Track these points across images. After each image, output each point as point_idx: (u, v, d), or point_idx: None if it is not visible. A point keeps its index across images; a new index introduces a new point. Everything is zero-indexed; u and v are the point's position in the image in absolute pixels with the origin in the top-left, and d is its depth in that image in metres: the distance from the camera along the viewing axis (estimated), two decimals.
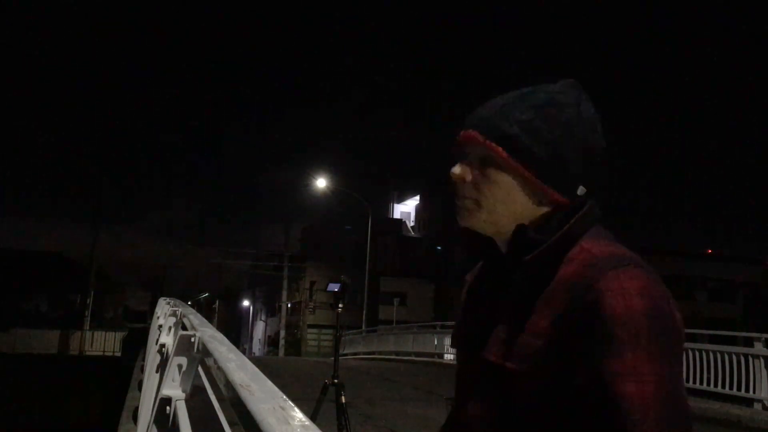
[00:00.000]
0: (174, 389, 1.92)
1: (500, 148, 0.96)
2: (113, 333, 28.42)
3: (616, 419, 0.80)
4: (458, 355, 1.11)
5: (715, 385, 9.23)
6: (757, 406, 8.62)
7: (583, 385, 0.83)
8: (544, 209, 0.98)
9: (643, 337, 0.81)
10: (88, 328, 28.32)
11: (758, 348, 8.83)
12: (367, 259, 28.86)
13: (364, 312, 27.92)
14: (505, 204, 0.98)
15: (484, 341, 0.98)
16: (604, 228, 0.98)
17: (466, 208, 1.00)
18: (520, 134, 0.95)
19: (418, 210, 49.97)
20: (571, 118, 0.97)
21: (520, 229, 0.97)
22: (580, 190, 0.98)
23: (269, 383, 0.92)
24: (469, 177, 0.99)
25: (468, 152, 1.00)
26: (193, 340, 1.86)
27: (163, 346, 3.34)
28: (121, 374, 15.98)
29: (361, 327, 27.31)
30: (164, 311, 4.65)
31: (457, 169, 1.00)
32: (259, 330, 49.49)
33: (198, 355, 1.85)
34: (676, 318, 0.86)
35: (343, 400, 4.65)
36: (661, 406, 0.80)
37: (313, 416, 4.61)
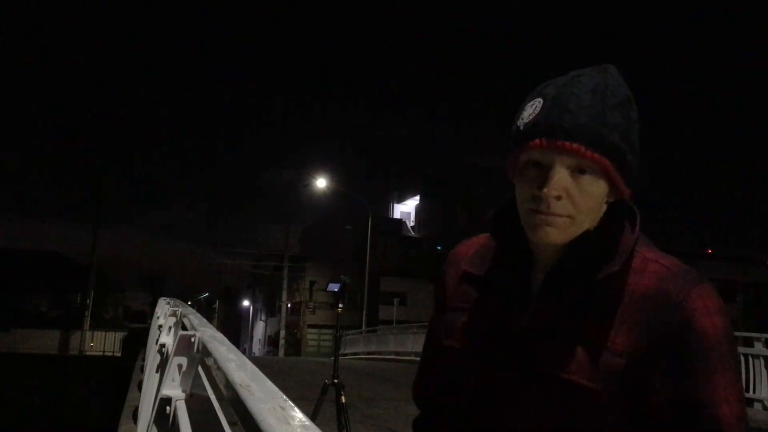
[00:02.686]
0: (174, 389, 1.92)
1: (608, 161, 0.88)
2: (113, 333, 28.41)
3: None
4: (468, 356, 1.00)
5: None
6: (757, 406, 8.62)
7: (671, 405, 0.83)
8: (604, 207, 0.94)
9: (730, 359, 0.84)
10: (88, 328, 28.30)
11: (758, 348, 8.83)
12: (367, 259, 28.86)
13: (364, 312, 27.92)
14: (594, 212, 0.92)
15: (548, 356, 0.91)
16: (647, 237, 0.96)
17: (557, 225, 0.90)
18: (619, 141, 0.89)
19: (418, 210, 49.99)
20: (636, 116, 0.93)
21: (583, 236, 0.92)
22: (632, 192, 0.95)
23: (269, 383, 0.92)
24: (564, 194, 0.89)
25: (554, 162, 0.89)
26: (193, 340, 1.86)
27: (163, 346, 3.34)
28: (121, 374, 15.98)
29: (361, 327, 27.31)
30: (164, 311, 4.65)
31: (552, 189, 0.88)
32: (259, 330, 49.48)
33: (198, 355, 1.85)
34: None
35: (343, 400, 4.65)
36: (745, 423, 0.84)
37: (313, 416, 4.61)
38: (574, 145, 0.87)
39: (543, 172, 0.89)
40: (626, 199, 0.95)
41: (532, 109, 0.92)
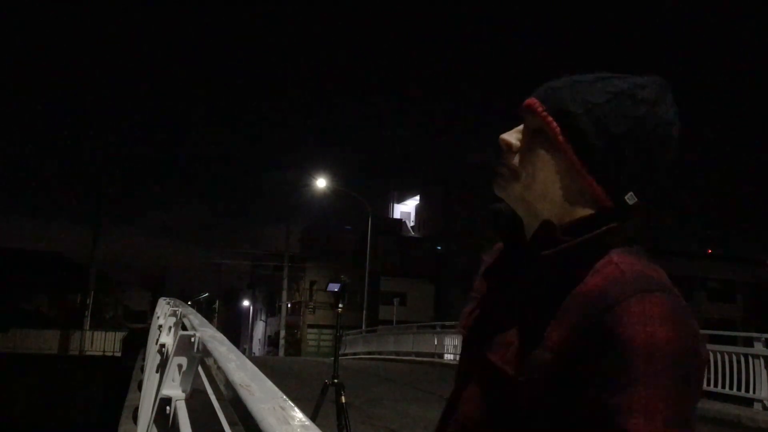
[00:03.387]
0: (174, 389, 1.92)
1: (555, 123, 0.88)
2: (113, 333, 28.41)
3: None
4: (463, 343, 1.04)
5: (715, 385, 9.23)
6: (757, 406, 8.62)
7: (588, 409, 0.78)
8: (583, 210, 0.90)
9: (664, 374, 0.75)
10: (88, 328, 28.31)
11: (758, 348, 8.83)
12: (367, 259, 28.86)
13: (364, 312, 27.92)
14: (544, 184, 0.90)
15: (491, 338, 0.91)
16: (643, 249, 0.89)
17: (502, 175, 0.93)
18: (582, 115, 0.87)
19: (418, 210, 49.98)
20: (644, 116, 0.87)
21: (547, 223, 0.89)
22: (630, 197, 0.88)
23: (269, 383, 0.92)
24: (515, 145, 0.92)
25: (525, 121, 0.93)
26: (193, 340, 1.86)
27: (163, 346, 3.34)
28: (121, 374, 15.98)
29: (361, 327, 27.32)
30: (164, 311, 4.65)
31: (505, 135, 0.93)
32: (259, 330, 49.49)
33: (198, 355, 1.85)
34: (701, 356, 0.79)
35: (343, 400, 4.65)
36: None
37: (313, 416, 4.61)
38: (532, 101, 0.91)
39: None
40: (609, 204, 0.88)
41: None
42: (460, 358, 1.05)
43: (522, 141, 0.93)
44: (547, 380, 0.82)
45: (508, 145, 0.93)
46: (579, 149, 0.87)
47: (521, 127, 0.94)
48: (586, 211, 0.90)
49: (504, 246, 1.02)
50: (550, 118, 0.88)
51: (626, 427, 0.74)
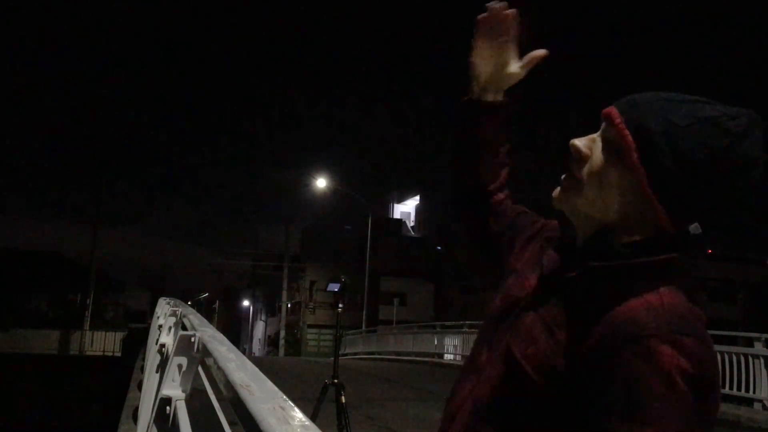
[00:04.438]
0: (174, 389, 1.92)
1: (630, 138, 0.84)
2: (113, 333, 28.42)
3: None
4: (494, 315, 1.01)
5: None
6: (757, 406, 8.62)
7: (590, 427, 0.77)
8: (642, 232, 0.87)
9: (675, 418, 0.73)
10: (88, 328, 28.31)
11: (758, 348, 8.84)
12: (367, 259, 28.86)
13: (364, 312, 27.93)
14: (607, 200, 0.86)
15: (518, 327, 0.91)
16: (696, 284, 0.86)
17: (565, 186, 0.90)
18: (660, 134, 0.82)
19: (418, 210, 49.95)
20: (726, 147, 0.81)
21: (605, 232, 0.87)
22: (694, 228, 0.85)
23: (269, 383, 0.92)
24: (586, 153, 0.88)
25: (602, 130, 0.89)
26: (193, 340, 1.86)
27: (163, 346, 3.34)
28: (121, 374, 15.98)
29: (361, 327, 27.32)
30: (164, 311, 4.65)
31: (577, 141, 0.89)
32: (259, 330, 49.48)
33: (198, 355, 1.85)
34: (718, 406, 0.78)
35: (343, 400, 4.65)
36: None
37: (313, 416, 4.61)
38: (612, 111, 0.87)
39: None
40: (668, 227, 0.85)
41: None
42: (483, 335, 1.02)
43: (593, 150, 0.88)
44: (559, 386, 0.82)
45: (578, 152, 0.88)
46: (651, 169, 0.83)
47: (595, 135, 0.89)
48: (644, 233, 0.87)
49: (562, 242, 1.00)
50: (626, 132, 0.84)
51: None
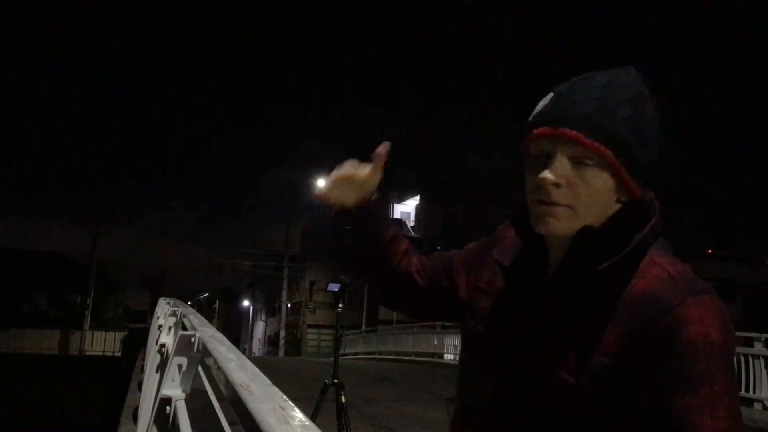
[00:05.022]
0: (174, 389, 1.92)
1: (609, 151, 0.88)
2: (113, 333, 28.42)
3: None
4: (487, 342, 1.03)
5: None
6: (757, 406, 8.62)
7: (650, 410, 0.80)
8: (616, 206, 0.93)
9: (721, 373, 0.79)
10: (88, 328, 28.31)
11: (758, 348, 8.84)
12: None
13: (364, 312, 27.94)
14: (598, 206, 0.91)
15: (539, 346, 0.93)
16: (665, 241, 0.94)
17: (557, 216, 0.91)
18: (626, 134, 0.88)
19: (418, 210, 49.95)
20: (653, 115, 0.92)
21: (587, 230, 0.91)
22: (647, 193, 0.93)
23: (269, 383, 0.92)
24: (564, 182, 0.90)
25: (555, 152, 0.91)
26: (193, 340, 1.86)
27: (163, 346, 3.34)
28: (121, 374, 15.98)
29: (361, 327, 27.32)
30: (164, 311, 4.65)
31: (549, 174, 0.90)
32: (259, 330, 49.49)
33: (198, 355, 1.85)
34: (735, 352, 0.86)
35: (343, 400, 4.65)
36: None
37: (313, 416, 4.61)
38: (574, 133, 0.89)
39: (546, 163, 0.91)
40: (640, 199, 0.92)
41: (543, 102, 0.95)
42: (483, 357, 1.03)
43: (565, 175, 0.90)
44: (606, 384, 0.84)
45: (556, 184, 0.91)
46: (629, 165, 0.90)
47: (556, 161, 0.91)
48: (605, 218, 0.92)
49: (523, 245, 1.02)
50: (602, 147, 0.88)
51: (692, 424, 0.78)
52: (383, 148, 1.15)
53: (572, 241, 0.93)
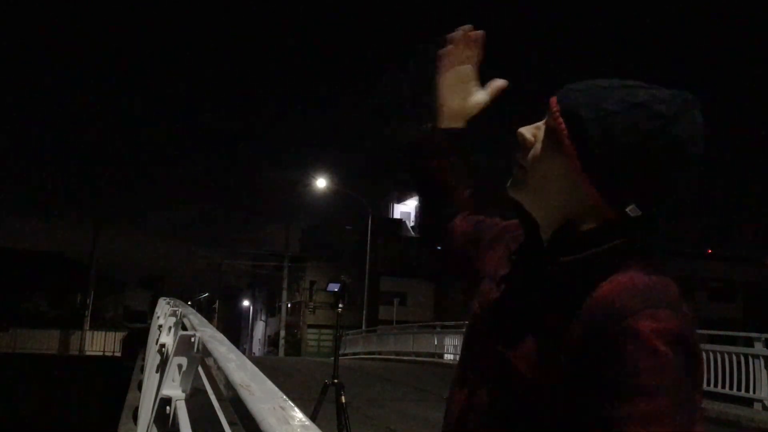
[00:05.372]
0: (174, 389, 1.92)
1: (564, 125, 0.87)
2: (113, 333, 28.42)
3: None
4: (473, 327, 1.05)
5: (715, 385, 9.23)
6: (757, 406, 8.62)
7: (592, 417, 0.79)
8: (592, 219, 0.90)
9: (667, 388, 0.76)
10: (88, 328, 28.31)
11: (758, 348, 8.84)
12: (367, 259, 28.85)
13: (364, 312, 27.91)
14: (551, 187, 0.90)
15: (507, 333, 0.93)
16: (660, 260, 0.88)
17: (514, 175, 0.94)
18: (592, 120, 0.85)
19: (418, 210, 49.93)
20: (656, 130, 0.84)
21: (569, 225, 0.90)
22: (632, 210, 0.87)
23: (269, 383, 0.92)
24: (530, 140, 0.91)
25: (545, 118, 0.92)
26: (193, 340, 1.86)
27: (163, 346, 3.33)
28: (121, 374, 15.98)
29: (361, 327, 27.31)
30: (164, 311, 4.65)
31: (523, 129, 0.92)
32: (259, 330, 49.47)
33: (198, 355, 1.85)
34: (701, 365, 0.81)
35: (343, 400, 4.65)
36: None
37: (313, 416, 4.61)
38: (552, 99, 0.90)
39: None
40: (613, 220, 0.88)
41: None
42: (468, 343, 1.05)
43: (537, 138, 0.92)
44: (559, 383, 0.83)
45: (524, 140, 0.92)
46: (583, 154, 0.86)
47: (541, 122, 0.93)
48: (594, 222, 0.90)
49: (525, 236, 1.02)
50: (561, 119, 0.87)
51: None
52: (503, 82, 1.20)
53: (553, 233, 0.93)
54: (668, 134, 0.84)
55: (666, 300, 0.81)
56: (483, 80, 1.22)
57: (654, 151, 0.84)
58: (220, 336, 1.69)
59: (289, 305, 37.30)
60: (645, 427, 0.74)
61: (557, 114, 0.88)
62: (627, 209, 0.87)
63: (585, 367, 0.81)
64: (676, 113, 0.85)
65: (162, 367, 3.01)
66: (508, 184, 0.95)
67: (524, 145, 0.92)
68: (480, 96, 1.20)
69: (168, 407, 1.90)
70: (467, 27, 1.16)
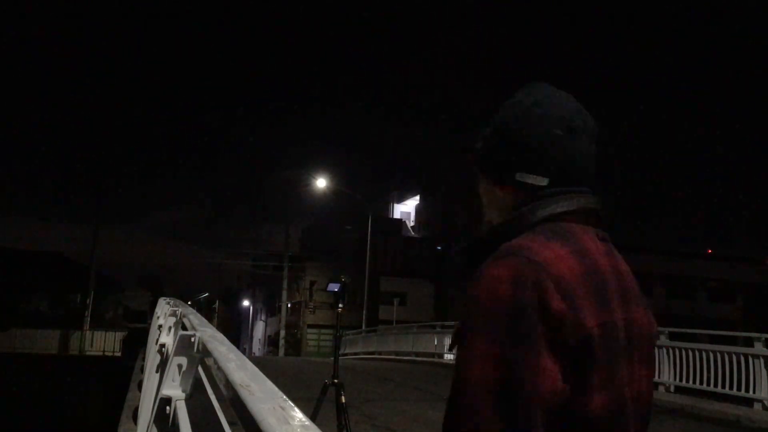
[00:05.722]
0: (174, 389, 1.92)
1: (471, 156, 1.09)
2: (113, 333, 28.43)
3: (456, 397, 0.84)
4: None
5: (715, 385, 9.23)
6: (757, 406, 8.62)
7: (456, 363, 0.88)
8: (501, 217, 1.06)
9: (492, 322, 0.83)
10: (88, 328, 28.32)
11: (758, 348, 8.84)
12: (367, 259, 28.86)
13: (364, 312, 27.93)
14: (492, 207, 1.07)
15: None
16: (568, 225, 0.97)
17: (480, 221, 1.10)
18: (484, 142, 1.07)
19: (418, 210, 49.95)
20: (524, 115, 1.03)
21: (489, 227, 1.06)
22: (520, 176, 1.01)
23: (269, 383, 0.92)
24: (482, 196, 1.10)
25: None
26: (193, 340, 1.87)
27: (163, 346, 3.34)
28: (121, 374, 15.98)
29: (361, 327, 27.32)
30: (164, 311, 4.65)
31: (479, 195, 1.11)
32: (259, 330, 49.49)
33: (198, 355, 1.86)
34: (551, 306, 0.85)
35: (343, 400, 4.65)
36: (495, 387, 0.81)
37: (313, 416, 4.61)
38: (471, 154, 1.12)
39: None
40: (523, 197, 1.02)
41: None
42: None
43: (479, 189, 1.11)
44: (454, 347, 0.91)
45: (481, 200, 1.10)
46: (483, 168, 1.07)
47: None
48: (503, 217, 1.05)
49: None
50: (471, 160, 1.09)
51: (464, 375, 0.83)
52: None
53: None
54: (534, 115, 1.02)
55: (512, 251, 0.90)
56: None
57: (528, 130, 1.02)
58: (220, 336, 1.69)
59: (289, 305, 37.31)
60: (482, 363, 0.82)
61: (471, 158, 1.10)
62: (516, 176, 1.01)
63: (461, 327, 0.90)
64: (536, 100, 1.03)
65: (162, 367, 3.01)
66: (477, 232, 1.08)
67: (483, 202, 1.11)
68: None
69: (168, 407, 1.90)
70: None
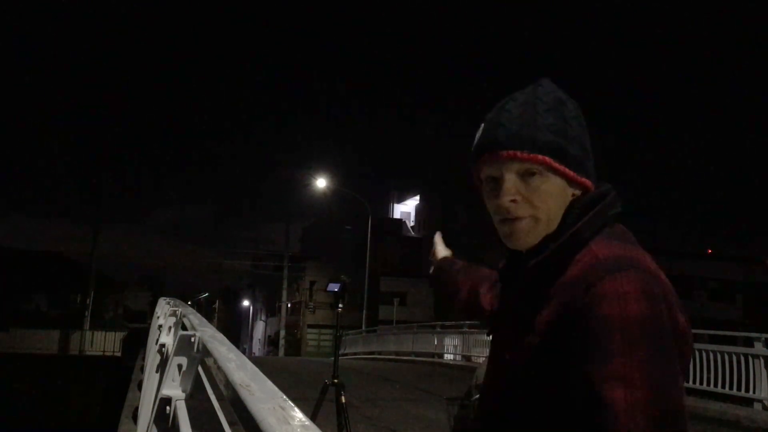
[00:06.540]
0: (174, 389, 1.92)
1: (545, 157, 0.97)
2: (113, 333, 28.41)
3: (604, 423, 0.79)
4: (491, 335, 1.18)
5: (715, 385, 9.22)
6: (757, 406, 8.62)
7: (573, 386, 0.84)
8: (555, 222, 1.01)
9: (635, 343, 0.80)
10: (88, 328, 28.30)
11: (758, 348, 8.83)
12: (367, 259, 28.85)
13: (364, 312, 27.92)
14: (558, 207, 0.99)
15: (500, 329, 1.06)
16: (622, 226, 0.99)
17: (522, 228, 0.99)
18: (554, 138, 0.98)
19: (418, 210, 49.95)
20: (574, 113, 1.02)
21: (544, 239, 1.00)
22: (596, 183, 1.01)
23: (269, 383, 0.92)
24: (519, 197, 0.98)
25: (501, 173, 1.00)
26: (193, 340, 1.86)
27: (163, 346, 3.33)
28: (121, 374, 15.98)
29: (361, 327, 27.31)
30: (164, 311, 4.65)
31: (504, 197, 0.99)
32: (259, 330, 49.49)
33: (198, 355, 1.85)
34: (678, 321, 0.85)
35: (343, 400, 4.65)
36: (650, 410, 0.78)
37: (313, 416, 4.61)
38: (510, 152, 0.98)
39: (498, 185, 1.01)
40: (592, 190, 1.00)
41: (478, 132, 1.05)
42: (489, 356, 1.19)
43: (517, 190, 0.99)
44: (534, 360, 0.91)
45: (513, 200, 0.99)
46: (567, 163, 0.98)
47: (505, 182, 1.00)
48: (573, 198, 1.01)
49: (508, 258, 1.12)
50: (538, 156, 0.97)
51: (606, 395, 0.79)
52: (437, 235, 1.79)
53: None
54: (577, 111, 1.02)
55: (628, 263, 0.87)
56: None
57: (584, 127, 1.02)
58: (220, 336, 1.69)
59: (289, 305, 37.30)
60: (623, 384, 0.79)
61: (530, 155, 0.98)
62: (590, 185, 1.00)
63: (562, 340, 0.87)
64: (564, 94, 1.03)
65: (162, 367, 3.00)
66: (517, 240, 1.01)
67: (515, 203, 0.99)
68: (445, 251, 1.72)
69: (168, 407, 1.90)
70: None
